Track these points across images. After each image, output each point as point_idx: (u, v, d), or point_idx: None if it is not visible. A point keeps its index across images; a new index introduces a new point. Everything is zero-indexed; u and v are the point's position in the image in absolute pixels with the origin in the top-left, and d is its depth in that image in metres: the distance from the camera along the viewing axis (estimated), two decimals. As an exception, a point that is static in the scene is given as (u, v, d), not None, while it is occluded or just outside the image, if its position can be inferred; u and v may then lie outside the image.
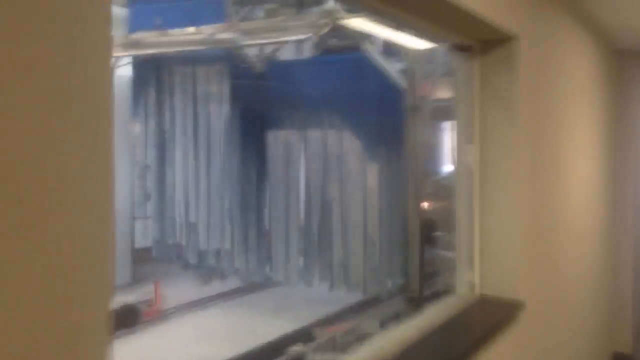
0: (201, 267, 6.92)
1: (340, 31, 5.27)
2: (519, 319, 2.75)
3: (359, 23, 4.13)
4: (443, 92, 5.93)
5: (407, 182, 5.48)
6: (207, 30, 5.55)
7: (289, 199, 6.44)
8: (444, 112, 6.07)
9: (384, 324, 6.02)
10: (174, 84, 6.67)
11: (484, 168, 2.75)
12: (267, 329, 6.30)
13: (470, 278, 2.77)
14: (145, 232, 7.38)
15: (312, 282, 6.53)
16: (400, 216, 6.27)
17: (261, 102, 6.51)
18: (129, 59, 6.89)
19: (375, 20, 4.05)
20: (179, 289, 7.78)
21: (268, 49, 6.07)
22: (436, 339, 2.30)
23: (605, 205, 4.94)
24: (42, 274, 0.78)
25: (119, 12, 7.22)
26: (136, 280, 8.48)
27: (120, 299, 6.70)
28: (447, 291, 2.88)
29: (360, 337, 5.74)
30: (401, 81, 5.21)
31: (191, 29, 5.79)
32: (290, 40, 5.34)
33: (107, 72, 0.88)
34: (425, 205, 5.61)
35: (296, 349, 5.26)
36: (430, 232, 5.74)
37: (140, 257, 8.00)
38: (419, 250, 5.43)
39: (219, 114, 6.44)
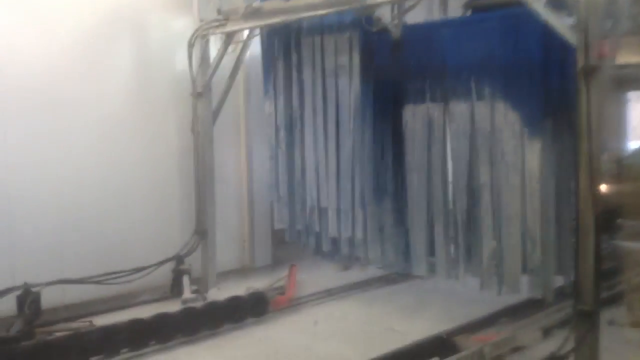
0: (335, 255, 6.37)
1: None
2: None
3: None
4: (627, 56, 4.64)
5: (579, 163, 4.32)
6: (331, -8, 4.82)
7: (431, 183, 5.58)
8: (628, 79, 4.82)
9: (547, 334, 4.97)
10: (301, 57, 6.09)
11: None
12: (407, 327, 5.57)
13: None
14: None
15: (457, 278, 5.65)
16: (570, 204, 5.11)
17: (397, 73, 5.67)
18: (257, 32, 6.46)
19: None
20: (316, 275, 7.35)
21: (402, 8, 5.19)
22: None
23: None
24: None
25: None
26: (276, 262, 8.21)
27: (250, 285, 6.39)
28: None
29: (517, 351, 4.77)
30: (572, 39, 4.04)
31: (315, -8, 5.11)
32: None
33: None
34: (604, 189, 4.43)
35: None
36: (610, 220, 4.55)
37: (282, 238, 7.67)
38: (593, 247, 4.26)
39: (350, 88, 5.73)
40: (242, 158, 7.90)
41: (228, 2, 6.18)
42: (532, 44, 4.79)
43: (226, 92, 6.77)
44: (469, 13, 5.59)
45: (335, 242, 6.25)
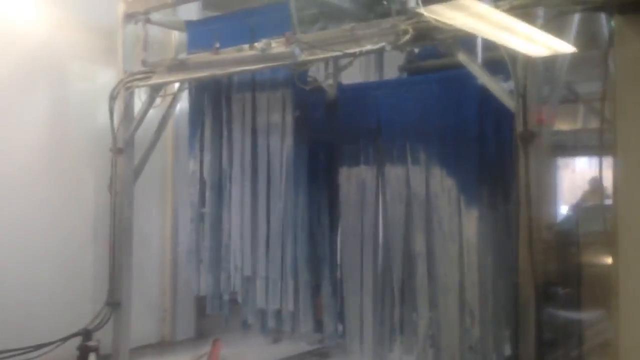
0: (261, 329, 5.84)
1: (426, 39, 4.06)
2: None
3: (454, 16, 2.92)
4: (558, 123, 4.58)
5: (519, 232, 4.10)
6: (262, 45, 4.55)
7: (363, 251, 5.23)
8: (559, 146, 4.77)
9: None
10: (231, 113, 5.75)
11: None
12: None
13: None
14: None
15: (393, 352, 5.25)
16: (509, 275, 4.87)
17: (332, 134, 5.42)
18: (186, 86, 6.11)
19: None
20: (243, 349, 6.79)
21: (337, 67, 4.99)
22: None
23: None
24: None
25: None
26: (200, 334, 7.57)
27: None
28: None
29: None
30: (510, 104, 3.90)
31: (245, 46, 4.83)
32: (361, 52, 4.20)
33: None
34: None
35: None
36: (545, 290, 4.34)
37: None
38: (534, 321, 4.00)
39: (282, 147, 5.41)
40: (167, 220, 7.39)
41: (158, 53, 5.84)
42: (468, 108, 4.65)
43: (150, 149, 6.32)
44: (404, 75, 5.47)
45: (263, 313, 5.75)
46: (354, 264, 5.27)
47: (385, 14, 4.54)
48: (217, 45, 5.10)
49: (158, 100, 6.17)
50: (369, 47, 4.09)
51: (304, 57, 4.45)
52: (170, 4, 6.14)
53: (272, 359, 6.61)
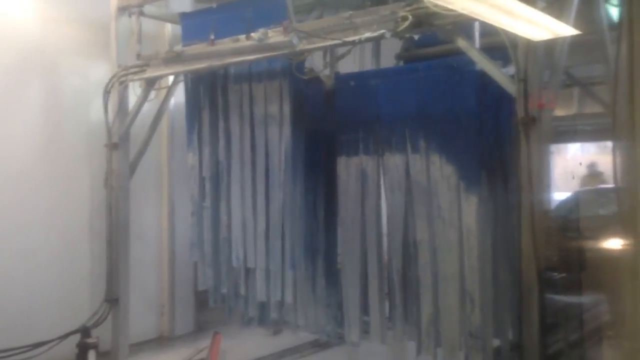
0: (263, 320, 5.83)
1: (425, 26, 4.05)
2: None
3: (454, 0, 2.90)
4: (560, 110, 4.60)
5: (519, 217, 4.12)
6: (259, 35, 4.51)
7: (364, 240, 5.22)
8: (561, 133, 4.79)
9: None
10: (229, 105, 5.71)
11: None
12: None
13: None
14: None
15: (394, 341, 5.26)
16: (510, 261, 4.89)
17: (330, 124, 5.40)
18: (181, 78, 6.06)
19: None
20: (243, 341, 6.77)
21: (335, 56, 4.96)
22: None
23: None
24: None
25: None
26: (199, 328, 7.54)
27: (168, 357, 5.74)
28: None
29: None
30: (511, 89, 3.89)
31: (242, 37, 4.79)
32: (360, 40, 4.17)
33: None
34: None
35: None
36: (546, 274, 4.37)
37: (206, 301, 7.05)
38: (537, 306, 4.01)
39: (280, 138, 5.38)
40: (164, 214, 7.35)
41: (151, 46, 5.78)
42: (467, 95, 4.64)
43: (146, 143, 6.26)
44: (401, 64, 5.46)
45: (263, 305, 5.73)
46: (354, 254, 5.26)
47: (382, 1, 4.54)
48: (212, 36, 5.07)
49: (152, 94, 6.12)
50: (368, 34, 4.06)
51: (302, 46, 4.41)
52: (163, -4, 6.09)
53: (273, 350, 6.60)
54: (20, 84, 6.11)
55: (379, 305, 5.20)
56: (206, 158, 5.87)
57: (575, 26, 3.73)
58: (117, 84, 5.96)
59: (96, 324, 5.83)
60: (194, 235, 6.02)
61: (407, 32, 4.07)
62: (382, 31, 3.98)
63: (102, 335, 5.87)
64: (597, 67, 5.40)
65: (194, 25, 5.68)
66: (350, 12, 4.24)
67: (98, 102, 6.07)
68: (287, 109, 5.32)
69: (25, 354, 5.42)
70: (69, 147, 6.43)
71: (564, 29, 3.34)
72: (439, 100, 4.74)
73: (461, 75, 4.57)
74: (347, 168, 5.26)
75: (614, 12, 4.02)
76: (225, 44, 4.93)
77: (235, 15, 5.28)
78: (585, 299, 5.91)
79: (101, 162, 6.14)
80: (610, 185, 10.60)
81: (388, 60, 5.68)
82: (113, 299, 5.91)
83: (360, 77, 5.34)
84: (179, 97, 6.50)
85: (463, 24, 4.11)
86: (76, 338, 5.74)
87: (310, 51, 4.64)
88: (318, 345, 6.74)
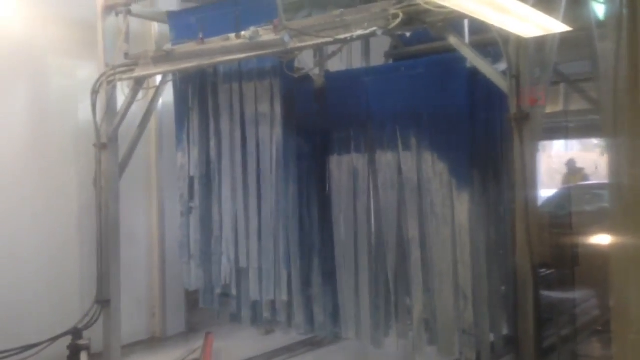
0: (255, 320, 5.81)
1: (416, 23, 4.05)
2: None
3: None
4: (548, 107, 4.62)
5: (512, 213, 4.15)
6: (250, 34, 4.49)
7: (357, 238, 5.22)
8: (549, 130, 4.81)
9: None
10: (218, 104, 5.68)
11: None
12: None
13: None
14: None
15: (388, 339, 5.27)
16: (504, 258, 4.92)
17: (321, 122, 5.39)
18: (170, 78, 6.02)
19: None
20: (235, 341, 6.74)
21: (325, 54, 4.95)
22: None
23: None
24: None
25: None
26: (191, 329, 7.50)
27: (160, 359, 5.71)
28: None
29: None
30: (503, 85, 3.91)
31: (232, 35, 4.76)
32: (352, 37, 4.17)
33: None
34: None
35: None
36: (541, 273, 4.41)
37: (197, 302, 7.02)
38: (532, 300, 4.04)
39: (271, 137, 5.36)
40: (154, 214, 7.29)
41: (137, 45, 5.72)
42: (457, 91, 4.66)
43: (135, 143, 6.21)
44: (390, 62, 5.47)
45: (255, 305, 5.71)
46: (347, 252, 5.26)
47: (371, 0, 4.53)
48: (201, 35, 5.04)
49: (141, 94, 6.07)
50: (359, 32, 4.06)
51: (293, 44, 4.40)
52: (150, -5, 6.04)
53: (265, 350, 6.57)
54: (7, 84, 6.03)
55: (371, 303, 5.21)
56: (196, 158, 5.84)
57: (564, 23, 3.76)
58: (105, 84, 5.90)
59: (87, 326, 5.77)
60: (184, 235, 5.99)
61: (399, 29, 4.07)
62: (374, 29, 3.97)
63: (93, 336, 5.82)
64: (584, 64, 5.44)
65: (182, 24, 5.66)
66: (341, 10, 4.23)
67: (86, 102, 6.01)
68: (278, 108, 5.30)
69: (15, 357, 5.35)
70: (56, 148, 6.35)
71: (555, 26, 3.36)
72: (429, 98, 4.75)
73: (451, 73, 4.59)
74: (339, 166, 5.26)
75: (600, 10, 4.05)
76: (215, 42, 4.90)
77: (223, 14, 5.27)
78: (576, 294, 5.97)
79: (90, 162, 6.08)
80: (593, 182, 10.77)
81: (377, 59, 5.67)
82: (104, 300, 5.87)
83: (351, 75, 5.34)
84: (167, 96, 6.45)
85: (454, 22, 4.11)
86: (67, 340, 5.69)
87: (301, 49, 4.63)
88: (311, 344, 6.73)
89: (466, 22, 4.25)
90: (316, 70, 5.43)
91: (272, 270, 5.43)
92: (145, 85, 6.04)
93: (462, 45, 4.09)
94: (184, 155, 5.92)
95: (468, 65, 4.41)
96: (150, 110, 6.28)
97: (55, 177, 6.31)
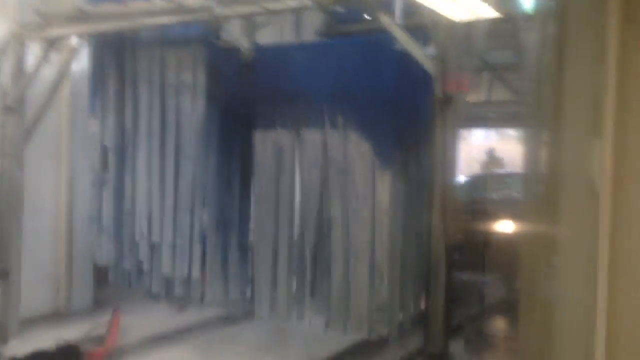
0: (167, 296, 5.65)
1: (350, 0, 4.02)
2: None
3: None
4: (471, 95, 4.77)
5: (430, 196, 4.23)
6: (176, -2, 4.29)
7: (279, 215, 5.19)
8: (471, 119, 4.96)
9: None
10: (137, 71, 5.42)
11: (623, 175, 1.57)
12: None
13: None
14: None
15: (303, 317, 5.30)
16: (418, 239, 5.04)
17: (247, 95, 5.26)
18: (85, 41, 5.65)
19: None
20: (146, 317, 6.51)
21: (254, 25, 4.82)
22: None
23: None
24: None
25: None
26: (98, 304, 7.17)
27: (62, 335, 5.40)
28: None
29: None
30: (430, 68, 3.96)
31: (156, -2, 4.53)
32: (284, 9, 4.08)
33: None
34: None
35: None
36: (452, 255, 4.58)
37: (106, 276, 6.72)
38: (444, 285, 4.17)
39: (193, 108, 5.18)
40: (62, 184, 6.87)
41: (51, 2, 5.32)
42: (385, 73, 4.70)
43: (45, 108, 5.80)
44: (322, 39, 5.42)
45: (168, 281, 5.55)
46: (267, 230, 5.21)
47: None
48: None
49: (54, 56, 5.67)
50: (291, 3, 3.97)
51: (221, 11, 4.24)
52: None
53: (176, 326, 6.40)
54: None
55: (288, 280, 5.20)
56: (110, 127, 5.56)
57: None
58: (14, 43, 5.46)
59: (-17, 299, 5.39)
60: (95, 208, 5.71)
61: (331, 4, 4.02)
62: (307, 2, 3.90)
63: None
64: (508, 55, 5.64)
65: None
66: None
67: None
68: (201, 78, 5.13)
69: None
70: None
71: (484, 10, 3.43)
72: (358, 77, 4.76)
73: (380, 53, 4.61)
74: (264, 142, 5.17)
75: (527, 2, 4.18)
76: (138, 4, 4.64)
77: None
78: (484, 277, 6.27)
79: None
80: (506, 171, 11.34)
81: (309, 36, 5.60)
82: (3, 272, 5.50)
83: (281, 50, 5.24)
84: (83, 60, 6.06)
85: (386, 3, 4.11)
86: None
87: (228, 17, 4.47)
88: (225, 321, 6.63)
89: (399, 2, 4.26)
90: (245, 43, 5.27)
91: (186, 246, 5.29)
92: (58, 47, 5.64)
93: (392, 25, 4.11)
94: (97, 123, 5.61)
95: (397, 47, 4.43)
96: (62, 74, 5.87)
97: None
